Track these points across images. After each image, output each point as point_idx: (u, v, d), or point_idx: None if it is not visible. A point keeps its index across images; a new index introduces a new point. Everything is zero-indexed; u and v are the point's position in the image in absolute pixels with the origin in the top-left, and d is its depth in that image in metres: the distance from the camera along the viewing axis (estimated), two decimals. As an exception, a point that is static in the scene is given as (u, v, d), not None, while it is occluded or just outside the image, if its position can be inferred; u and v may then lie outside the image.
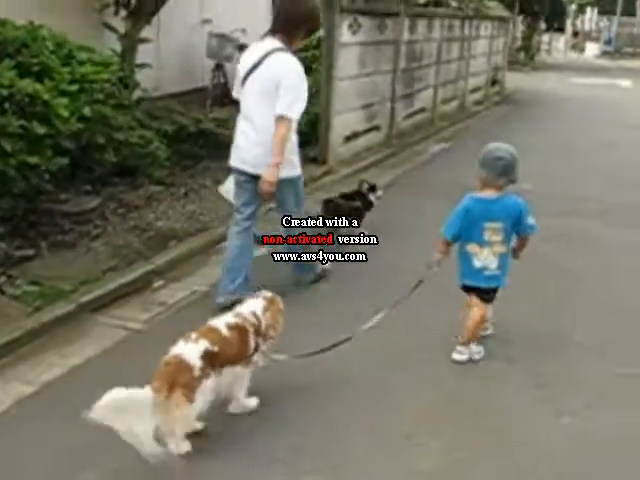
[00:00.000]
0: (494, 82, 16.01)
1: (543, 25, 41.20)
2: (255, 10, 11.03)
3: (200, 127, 7.80)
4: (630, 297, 4.86)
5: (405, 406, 3.43)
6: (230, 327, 3.06)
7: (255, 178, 4.13)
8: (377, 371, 3.75)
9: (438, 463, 3.00)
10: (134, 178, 6.59)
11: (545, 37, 38.85)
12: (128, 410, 2.60)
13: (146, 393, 2.69)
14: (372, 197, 5.83)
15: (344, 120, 8.20)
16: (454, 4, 12.26)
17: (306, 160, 8.02)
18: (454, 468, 2.98)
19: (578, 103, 15.98)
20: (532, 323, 4.35)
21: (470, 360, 3.81)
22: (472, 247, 3.67)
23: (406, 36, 9.70)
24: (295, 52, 4.15)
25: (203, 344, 2.89)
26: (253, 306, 3.25)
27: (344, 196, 5.83)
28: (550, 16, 45.35)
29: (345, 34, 7.87)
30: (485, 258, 3.65)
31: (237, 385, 3.13)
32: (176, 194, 6.63)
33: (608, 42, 38.65)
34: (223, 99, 9.85)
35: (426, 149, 9.85)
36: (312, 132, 7.98)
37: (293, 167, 4.25)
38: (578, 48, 42.58)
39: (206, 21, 9.80)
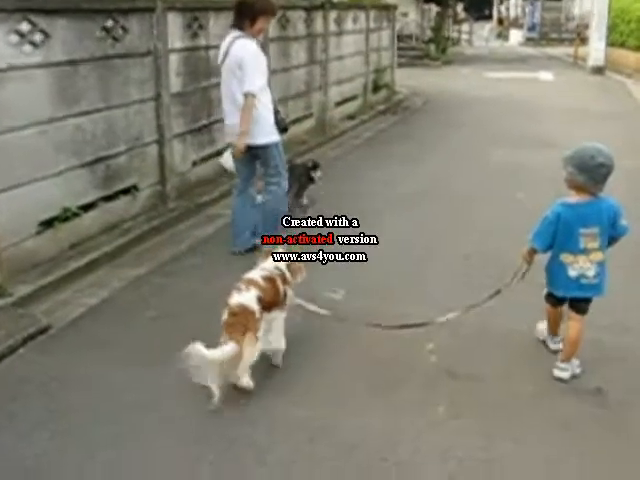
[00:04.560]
0: (377, 87, 12.68)
1: (463, 14, 38.60)
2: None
3: None
4: None
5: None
6: (263, 278, 3.42)
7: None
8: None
9: None
10: None
11: (465, 26, 36.07)
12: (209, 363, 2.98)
13: (229, 348, 3.04)
14: (314, 174, 6.23)
15: (44, 192, 4.73)
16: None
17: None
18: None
19: (485, 108, 12.80)
20: None
21: (573, 376, 3.49)
22: (566, 256, 3.39)
23: (180, 42, 6.26)
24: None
25: (254, 291, 3.28)
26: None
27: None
28: (472, 4, 42.70)
29: (8, 52, 4.40)
30: (581, 267, 3.38)
31: (275, 330, 3.45)
32: None
33: (532, 28, 35.99)
34: None
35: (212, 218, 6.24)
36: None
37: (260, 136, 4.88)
38: (502, 36, 40.13)
39: None
